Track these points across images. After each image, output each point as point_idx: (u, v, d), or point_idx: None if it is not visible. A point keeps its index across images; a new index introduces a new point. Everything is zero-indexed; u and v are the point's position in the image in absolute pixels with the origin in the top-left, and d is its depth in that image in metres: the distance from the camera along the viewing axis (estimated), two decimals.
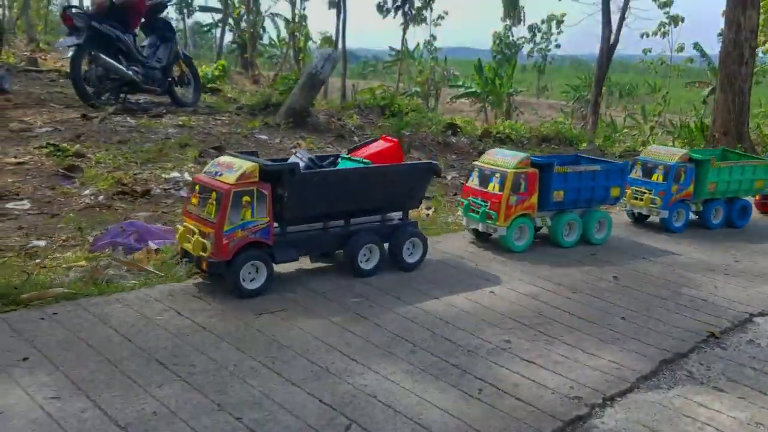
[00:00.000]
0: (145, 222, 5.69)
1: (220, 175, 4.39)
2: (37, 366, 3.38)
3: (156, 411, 3.05)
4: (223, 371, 3.44)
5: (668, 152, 6.90)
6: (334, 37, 15.46)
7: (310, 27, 18.30)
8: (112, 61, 10.67)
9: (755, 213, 7.83)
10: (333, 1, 16.16)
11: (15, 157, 7.71)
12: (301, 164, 4.93)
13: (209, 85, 15.03)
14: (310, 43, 18.96)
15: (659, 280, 5.26)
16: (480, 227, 5.79)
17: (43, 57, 17.90)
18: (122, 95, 11.25)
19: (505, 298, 4.65)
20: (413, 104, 13.73)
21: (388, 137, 5.46)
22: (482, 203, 5.69)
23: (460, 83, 17.40)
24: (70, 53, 10.69)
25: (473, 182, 5.91)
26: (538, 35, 21.65)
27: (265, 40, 22.85)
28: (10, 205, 6.16)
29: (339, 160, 5.31)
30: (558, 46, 21.67)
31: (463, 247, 5.88)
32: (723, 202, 7.10)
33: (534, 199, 5.73)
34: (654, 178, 6.74)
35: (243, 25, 20.74)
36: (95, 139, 8.89)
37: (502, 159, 5.78)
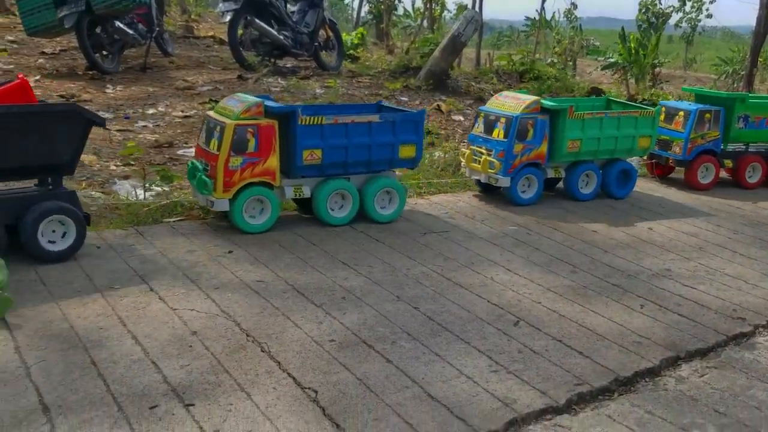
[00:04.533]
0: None
1: None
2: (241, 258, 3.91)
3: (345, 297, 3.47)
4: (398, 273, 3.81)
5: (516, 101, 5.16)
6: (470, 6, 15.46)
7: None
8: (265, 25, 11.38)
9: (645, 179, 6.39)
10: None
11: (182, 111, 8.51)
12: None
13: (349, 52, 15.61)
14: (445, 12, 19.05)
15: None
16: (200, 200, 4.37)
17: (196, 26, 19.27)
18: (272, 59, 11.98)
19: (664, 235, 4.73)
20: (555, 70, 13.55)
21: (23, 76, 3.95)
22: (204, 167, 4.25)
23: (600, 53, 16.87)
24: (228, 18, 11.50)
25: (201, 139, 4.41)
26: (688, 4, 20.42)
27: (400, 11, 23.19)
28: (180, 152, 6.90)
29: None
30: (709, 15, 20.37)
31: None
32: (595, 165, 5.47)
33: (273, 161, 4.24)
34: (495, 134, 5.13)
35: None
36: None
37: (232, 106, 4.31)
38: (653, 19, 19.20)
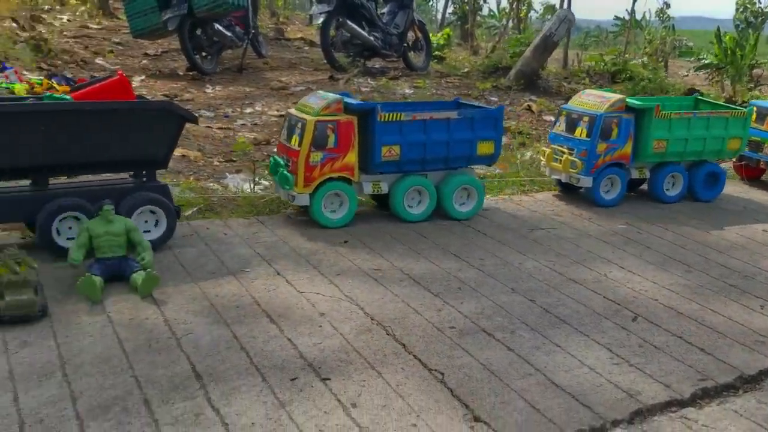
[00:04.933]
0: None
1: None
2: (357, 247, 4.08)
3: (460, 287, 3.58)
4: (510, 266, 3.89)
5: (600, 99, 5.07)
6: (558, 6, 15.25)
7: None
8: (357, 27, 11.60)
9: (733, 181, 6.06)
10: None
11: (277, 111, 8.83)
12: None
13: (434, 53, 15.70)
14: (531, 12, 18.83)
15: None
16: (282, 194, 4.50)
17: (286, 28, 19.87)
18: (362, 59, 12.21)
19: None
20: (647, 71, 13.18)
21: (122, 72, 4.07)
22: (286, 162, 4.35)
23: (693, 54, 16.30)
24: (321, 19, 11.80)
25: (283, 136, 4.52)
26: None
27: (485, 12, 23.07)
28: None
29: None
30: None
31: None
32: (681, 166, 5.27)
33: (352, 157, 4.28)
34: (577, 133, 5.03)
35: None
36: None
37: (313, 103, 4.38)
38: (752, 19, 18.38)
